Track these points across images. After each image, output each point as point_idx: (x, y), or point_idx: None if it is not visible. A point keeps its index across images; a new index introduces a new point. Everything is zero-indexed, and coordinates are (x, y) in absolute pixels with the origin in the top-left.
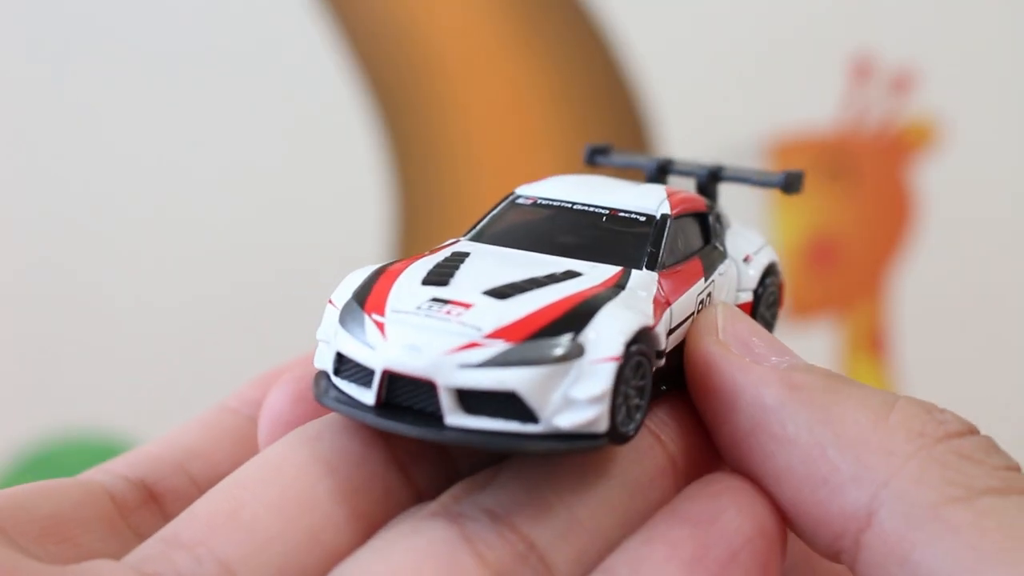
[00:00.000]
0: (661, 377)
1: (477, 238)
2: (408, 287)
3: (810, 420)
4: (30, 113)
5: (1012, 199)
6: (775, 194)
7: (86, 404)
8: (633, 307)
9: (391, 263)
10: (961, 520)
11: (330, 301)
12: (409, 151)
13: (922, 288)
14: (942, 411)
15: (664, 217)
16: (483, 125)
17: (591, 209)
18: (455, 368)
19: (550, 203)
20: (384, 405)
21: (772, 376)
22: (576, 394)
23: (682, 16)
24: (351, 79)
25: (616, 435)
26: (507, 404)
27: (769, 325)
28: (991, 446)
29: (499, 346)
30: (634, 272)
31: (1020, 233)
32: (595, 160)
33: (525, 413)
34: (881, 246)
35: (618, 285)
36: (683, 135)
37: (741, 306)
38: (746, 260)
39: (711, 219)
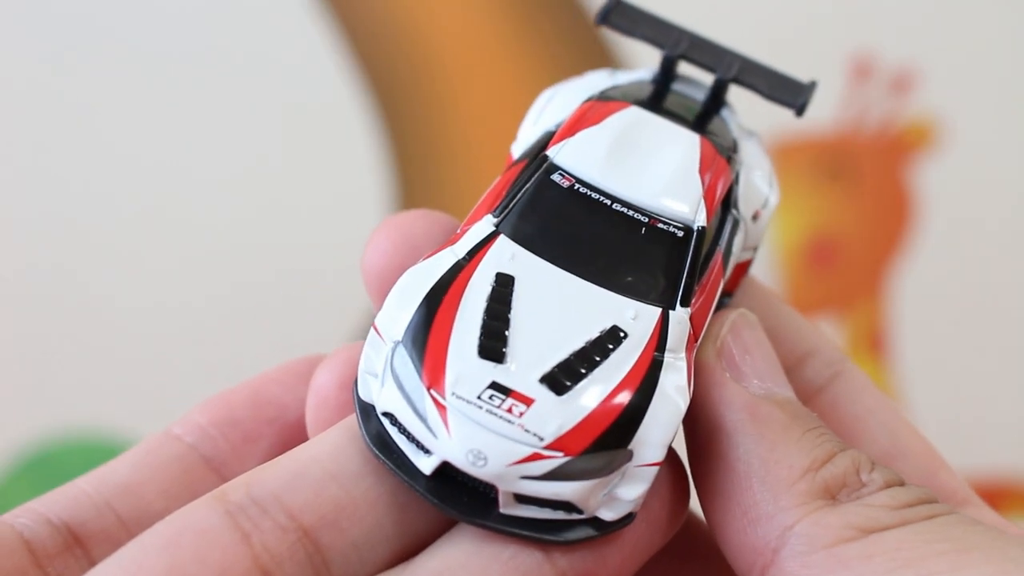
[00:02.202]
0: None
1: (513, 231)
2: (465, 355)
3: (752, 452)
4: (30, 113)
5: (1012, 199)
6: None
7: (86, 404)
8: (674, 387)
9: (440, 285)
10: (851, 554)
11: (375, 327)
12: (409, 151)
13: (922, 288)
14: (872, 469)
15: (701, 231)
16: (483, 125)
17: (630, 214)
18: (517, 478)
19: (588, 193)
20: (437, 474)
21: (740, 400)
22: (621, 494)
23: (681, 17)
24: (351, 79)
25: None
26: (558, 501)
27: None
28: (905, 492)
29: (558, 459)
30: (671, 318)
31: (1020, 233)
32: (608, 22)
33: (573, 507)
34: (881, 246)
35: (659, 348)
36: None
37: (740, 264)
38: (755, 217)
39: (733, 186)
